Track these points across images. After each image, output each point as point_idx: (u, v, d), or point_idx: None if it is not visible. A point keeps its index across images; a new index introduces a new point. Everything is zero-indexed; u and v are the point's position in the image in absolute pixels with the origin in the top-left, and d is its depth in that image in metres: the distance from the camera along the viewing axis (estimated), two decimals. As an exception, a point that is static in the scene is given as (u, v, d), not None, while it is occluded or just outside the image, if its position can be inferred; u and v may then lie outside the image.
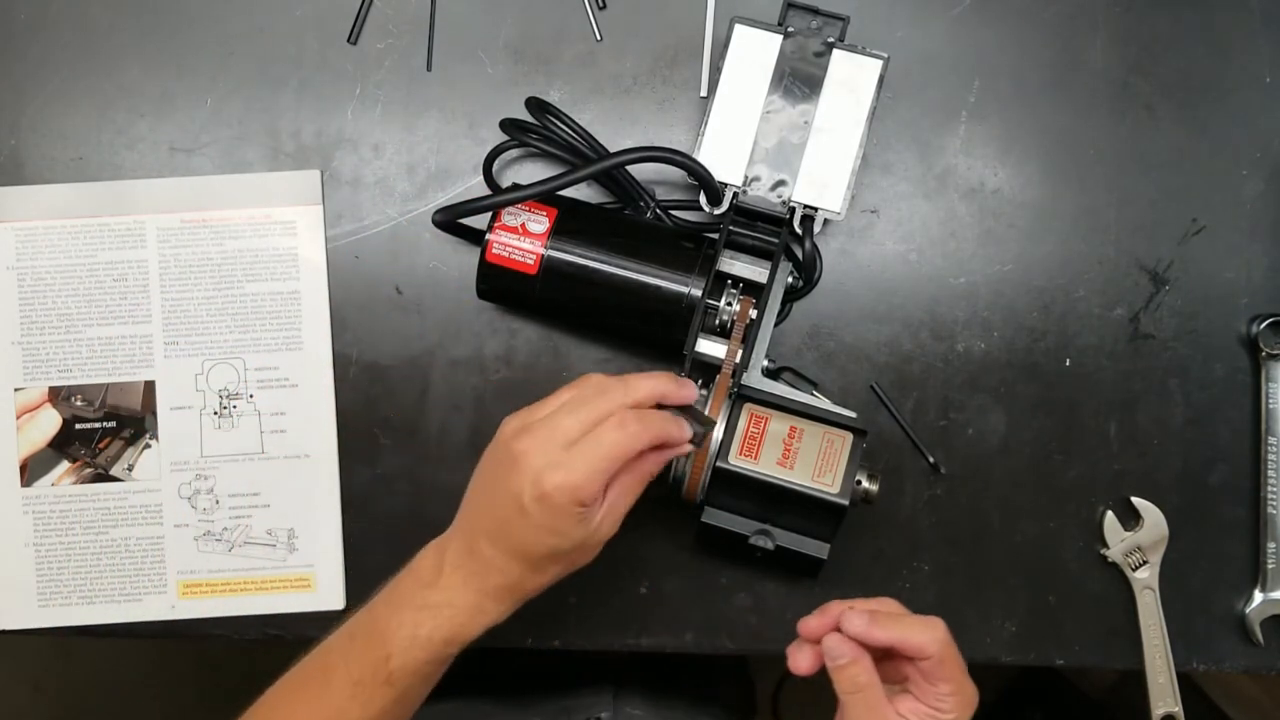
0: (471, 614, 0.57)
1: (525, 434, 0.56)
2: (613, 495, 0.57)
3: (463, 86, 0.73)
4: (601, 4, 0.73)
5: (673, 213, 0.71)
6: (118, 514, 0.72)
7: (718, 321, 0.66)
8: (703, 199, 0.68)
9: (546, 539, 0.55)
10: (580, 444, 0.54)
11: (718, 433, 0.62)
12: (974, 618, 0.72)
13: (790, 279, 0.69)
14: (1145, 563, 0.71)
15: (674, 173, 0.70)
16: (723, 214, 0.68)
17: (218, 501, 0.72)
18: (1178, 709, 0.71)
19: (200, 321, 0.72)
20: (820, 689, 0.56)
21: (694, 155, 0.67)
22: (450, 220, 0.67)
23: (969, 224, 0.73)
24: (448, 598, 0.57)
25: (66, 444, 0.72)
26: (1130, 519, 0.72)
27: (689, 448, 0.59)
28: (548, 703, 0.74)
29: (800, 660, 0.57)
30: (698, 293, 0.65)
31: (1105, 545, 0.72)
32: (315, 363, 0.72)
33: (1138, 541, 0.71)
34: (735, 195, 0.67)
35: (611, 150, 0.69)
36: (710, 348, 0.65)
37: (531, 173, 0.72)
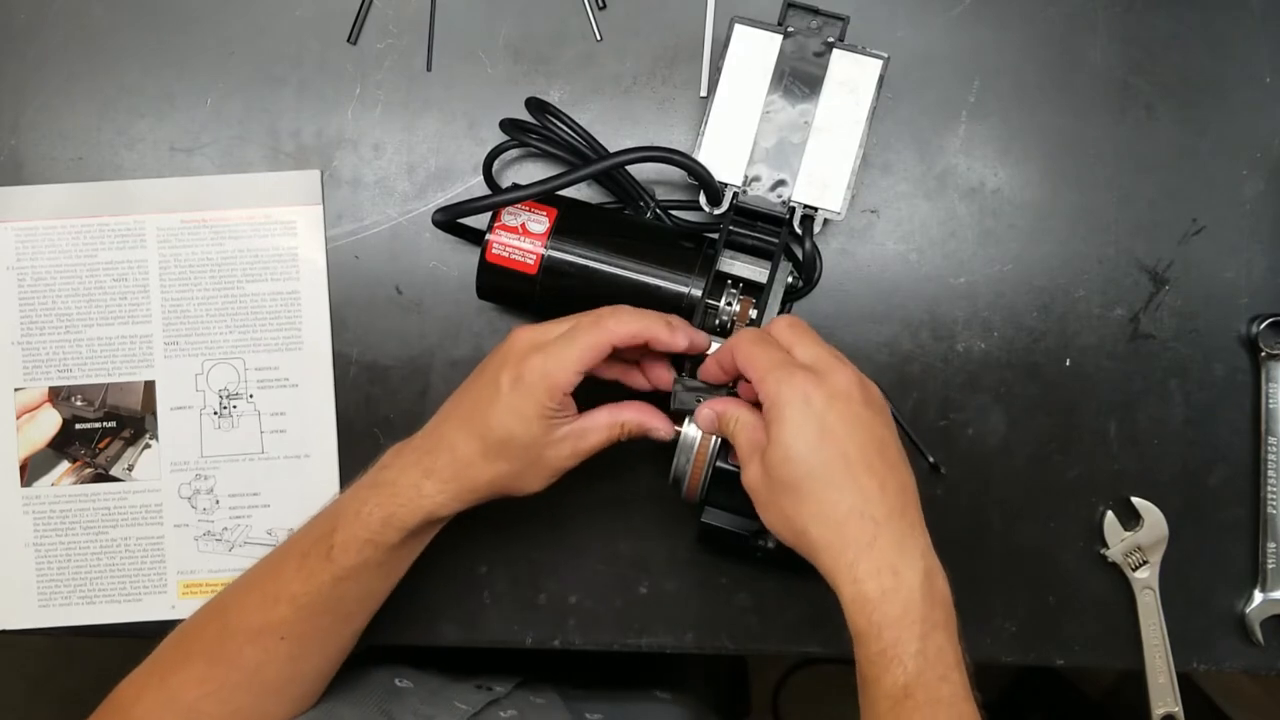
0: (410, 494, 0.58)
1: (525, 328, 0.60)
2: (584, 421, 0.60)
3: (463, 86, 0.73)
4: (601, 4, 0.73)
5: (673, 213, 0.71)
6: (118, 514, 0.72)
7: (718, 321, 0.66)
8: (703, 199, 0.68)
9: (508, 420, 0.57)
10: (563, 337, 0.58)
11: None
12: (974, 618, 0.72)
13: (790, 279, 0.69)
14: (1145, 563, 0.71)
15: (674, 173, 0.70)
16: (723, 214, 0.68)
17: (218, 501, 0.72)
18: (1178, 709, 0.71)
19: (200, 321, 0.72)
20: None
21: (694, 155, 0.67)
22: (450, 220, 0.67)
23: (969, 224, 0.73)
24: (392, 476, 0.59)
25: (66, 444, 0.72)
26: (1130, 519, 0.72)
27: (665, 434, 0.62)
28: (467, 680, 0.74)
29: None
30: (698, 293, 0.65)
31: (1105, 545, 0.72)
32: (315, 363, 0.72)
33: (1138, 541, 0.71)
34: (735, 195, 0.67)
35: (611, 150, 0.69)
36: (711, 348, 0.65)
37: (531, 173, 0.72)
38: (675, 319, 0.60)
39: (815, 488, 0.53)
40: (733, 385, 0.62)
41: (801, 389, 0.54)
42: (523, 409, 0.57)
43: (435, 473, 0.59)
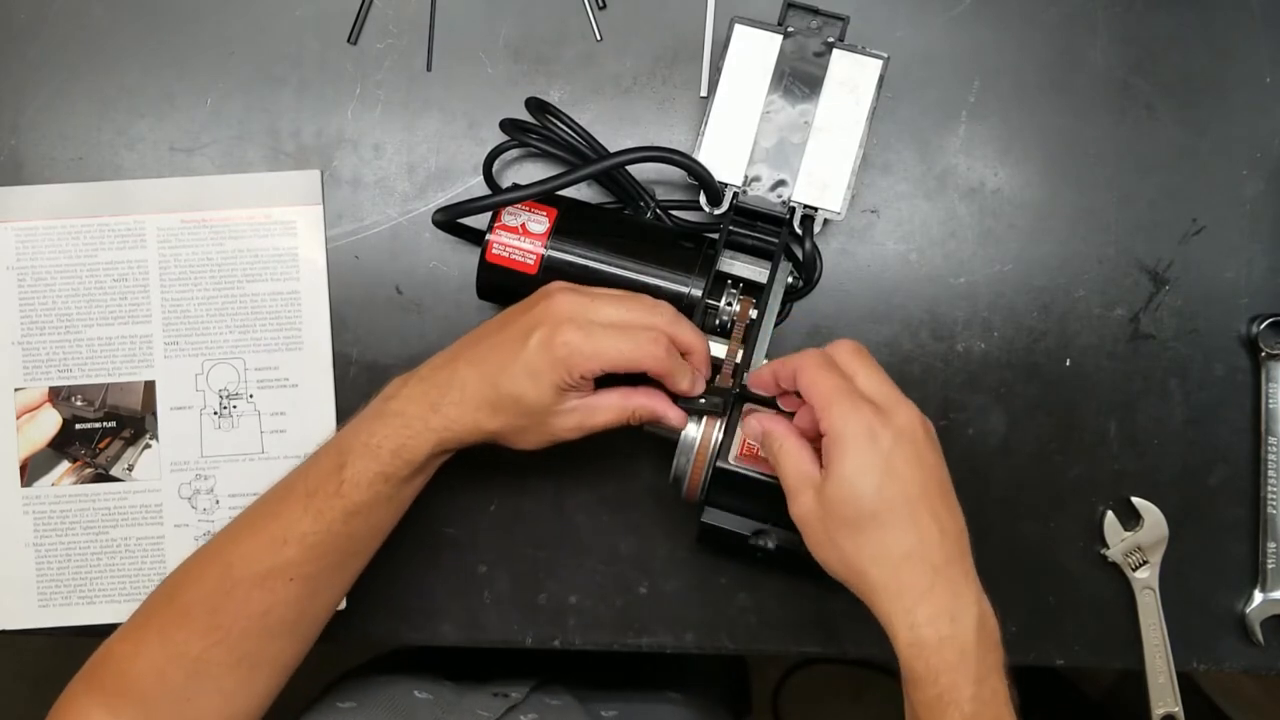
0: (418, 427, 0.58)
1: (571, 293, 0.58)
2: (596, 399, 0.59)
3: (463, 86, 0.73)
4: (601, 4, 0.73)
5: (673, 213, 0.71)
6: (118, 514, 0.72)
7: (718, 321, 0.65)
8: (703, 199, 0.68)
9: (523, 380, 0.57)
10: (609, 327, 0.57)
11: (717, 433, 0.62)
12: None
13: (790, 279, 0.69)
14: (1145, 563, 0.71)
15: (674, 173, 0.70)
16: (723, 214, 0.68)
17: (218, 501, 0.72)
18: (1178, 709, 0.71)
19: (200, 321, 0.72)
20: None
21: (694, 155, 0.67)
22: (450, 220, 0.67)
23: (969, 224, 0.73)
24: (400, 406, 0.58)
25: (66, 444, 0.72)
26: (1130, 519, 0.72)
27: (677, 422, 0.61)
28: (484, 685, 0.74)
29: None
30: (698, 293, 0.65)
31: (1105, 545, 0.72)
32: (315, 363, 0.72)
33: (1138, 541, 0.71)
34: (735, 195, 0.67)
35: (611, 150, 0.69)
36: (710, 348, 0.65)
37: (531, 173, 0.72)
38: (700, 369, 0.61)
39: (876, 528, 0.53)
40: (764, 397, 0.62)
41: (868, 424, 0.53)
42: (541, 373, 0.57)
43: (441, 409, 0.58)
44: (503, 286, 0.67)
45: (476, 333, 0.61)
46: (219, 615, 0.57)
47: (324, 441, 0.60)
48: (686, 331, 0.60)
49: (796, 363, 0.57)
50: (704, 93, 0.72)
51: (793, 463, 0.56)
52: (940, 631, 0.52)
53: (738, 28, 0.68)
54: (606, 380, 0.59)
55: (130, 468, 0.72)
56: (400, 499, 0.60)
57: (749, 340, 0.64)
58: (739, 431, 0.63)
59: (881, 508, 0.53)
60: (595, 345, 0.57)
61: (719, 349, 0.65)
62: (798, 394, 0.57)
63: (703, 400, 0.61)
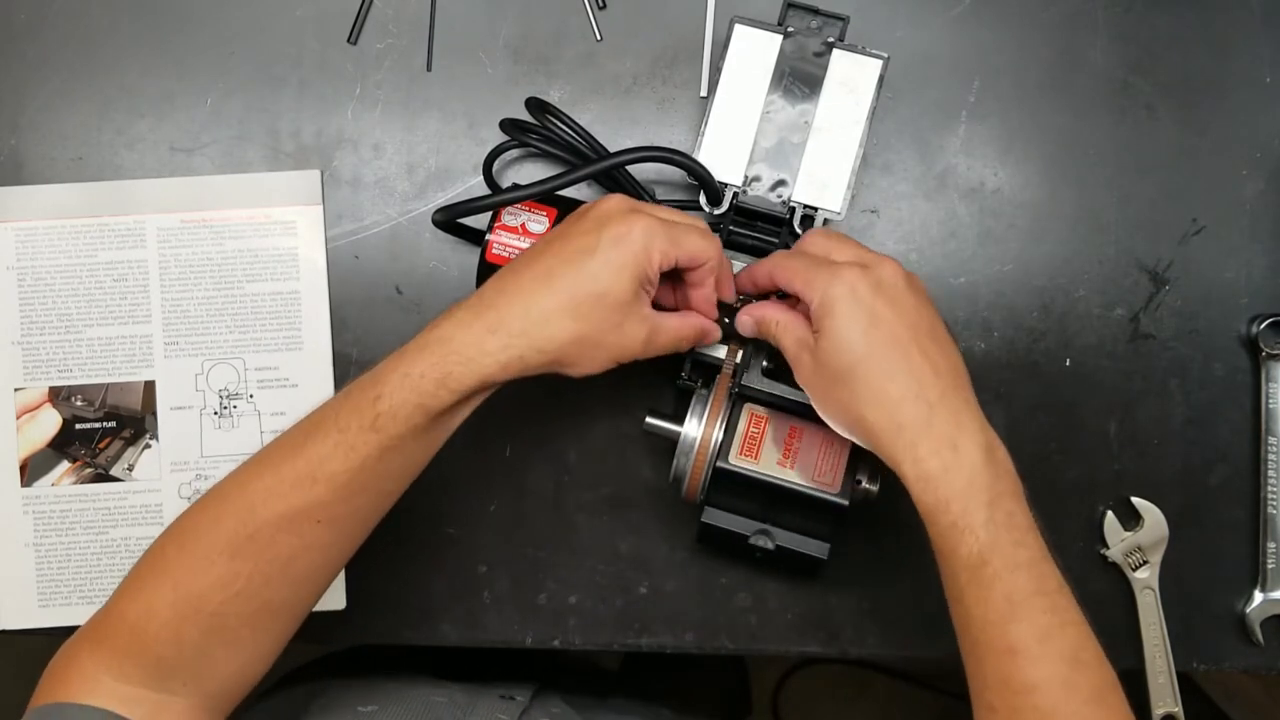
0: (470, 352, 0.54)
1: (626, 198, 0.59)
2: (661, 317, 0.59)
3: (463, 86, 0.73)
4: (601, 4, 0.73)
5: (673, 213, 0.71)
6: (118, 514, 0.72)
7: (718, 321, 0.65)
8: (703, 199, 0.68)
9: (605, 273, 0.55)
10: (677, 225, 0.58)
11: (717, 433, 0.62)
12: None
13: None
14: (1145, 563, 0.71)
15: (674, 173, 0.70)
16: (723, 214, 0.68)
17: (218, 501, 0.72)
18: (1178, 709, 0.71)
19: (200, 321, 0.72)
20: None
21: (694, 155, 0.67)
22: (450, 220, 0.67)
23: (969, 224, 0.73)
24: (447, 332, 0.55)
25: (66, 444, 0.72)
26: (1130, 519, 0.72)
27: (716, 333, 0.63)
28: (489, 688, 0.74)
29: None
30: (698, 293, 0.65)
31: (1105, 545, 0.72)
32: (315, 363, 0.72)
33: (1138, 541, 0.71)
34: (735, 195, 0.67)
35: (611, 150, 0.69)
36: (710, 348, 0.65)
37: (531, 173, 0.72)
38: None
39: (869, 373, 0.54)
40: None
41: (848, 282, 0.55)
42: (624, 265, 0.55)
43: (502, 327, 0.55)
44: (503, 286, 0.67)
45: (528, 254, 0.58)
46: (240, 561, 0.53)
47: (356, 377, 0.57)
48: (719, 242, 0.61)
49: (768, 263, 0.60)
50: (704, 93, 0.72)
51: (789, 334, 0.58)
52: (944, 460, 0.52)
53: (738, 28, 0.68)
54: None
55: (130, 468, 0.72)
56: (435, 435, 0.57)
57: (749, 340, 0.64)
58: (739, 431, 0.63)
59: (870, 353, 0.54)
60: (672, 235, 0.57)
61: (719, 349, 0.65)
62: (780, 295, 0.60)
63: (728, 321, 0.63)
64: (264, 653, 0.57)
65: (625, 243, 0.56)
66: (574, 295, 0.55)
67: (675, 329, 0.60)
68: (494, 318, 0.55)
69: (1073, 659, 0.51)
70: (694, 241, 0.58)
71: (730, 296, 0.63)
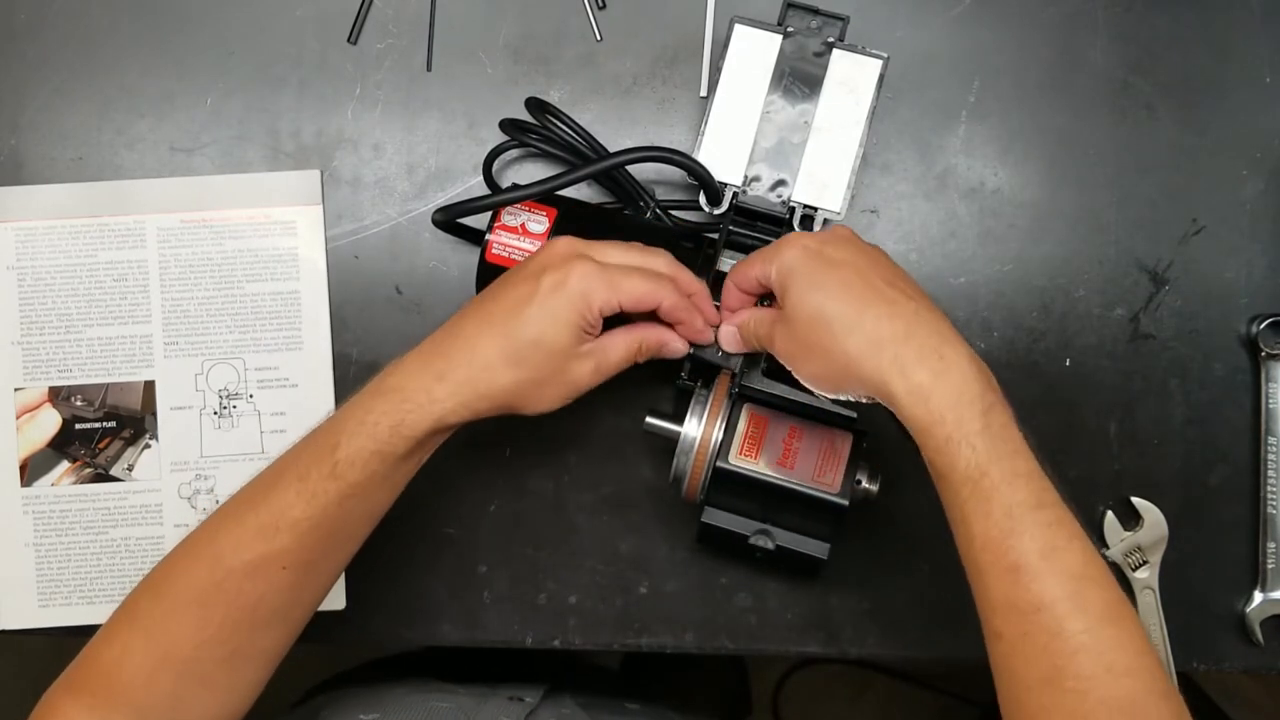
0: (420, 399, 0.56)
1: (572, 239, 0.59)
2: (605, 340, 0.59)
3: (463, 86, 0.73)
4: (601, 4, 0.73)
5: (673, 213, 0.71)
6: (118, 514, 0.72)
7: (718, 321, 0.65)
8: (703, 199, 0.68)
9: (541, 321, 0.56)
10: (618, 269, 0.58)
11: (717, 433, 0.62)
12: (974, 618, 0.72)
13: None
14: (1145, 563, 0.71)
15: (674, 173, 0.70)
16: (723, 214, 0.68)
17: (218, 501, 0.72)
18: (1178, 709, 0.71)
19: (200, 321, 0.72)
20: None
21: (694, 155, 0.67)
22: (450, 220, 0.67)
23: (969, 224, 0.73)
24: (398, 381, 0.57)
25: (66, 444, 0.72)
26: (1130, 519, 0.72)
27: (680, 347, 0.62)
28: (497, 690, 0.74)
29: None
30: (698, 293, 0.65)
31: (1105, 545, 0.72)
32: (315, 363, 0.72)
33: (1138, 541, 0.71)
34: (735, 195, 0.67)
35: (611, 150, 0.69)
36: (710, 348, 0.65)
37: (531, 173, 0.72)
38: (706, 312, 0.62)
39: (840, 308, 0.54)
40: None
41: (798, 244, 0.57)
42: (559, 313, 0.56)
43: (448, 375, 0.56)
44: (503, 286, 0.67)
45: (474, 301, 0.60)
46: (210, 609, 0.55)
47: (312, 427, 0.59)
48: (686, 274, 0.61)
49: (729, 277, 0.61)
50: (704, 93, 0.72)
51: (764, 325, 0.59)
52: (932, 367, 0.52)
53: (738, 28, 0.68)
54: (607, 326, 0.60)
55: (130, 468, 0.72)
56: (396, 479, 0.58)
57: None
58: (739, 431, 0.63)
59: (836, 291, 0.55)
60: (610, 281, 0.57)
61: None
62: (761, 301, 0.61)
63: (711, 350, 0.63)
64: (241, 695, 0.58)
65: (562, 291, 0.56)
66: (513, 342, 0.56)
67: (622, 346, 0.60)
68: (441, 365, 0.57)
69: (1079, 574, 0.50)
70: (635, 286, 0.58)
71: (715, 321, 0.62)
